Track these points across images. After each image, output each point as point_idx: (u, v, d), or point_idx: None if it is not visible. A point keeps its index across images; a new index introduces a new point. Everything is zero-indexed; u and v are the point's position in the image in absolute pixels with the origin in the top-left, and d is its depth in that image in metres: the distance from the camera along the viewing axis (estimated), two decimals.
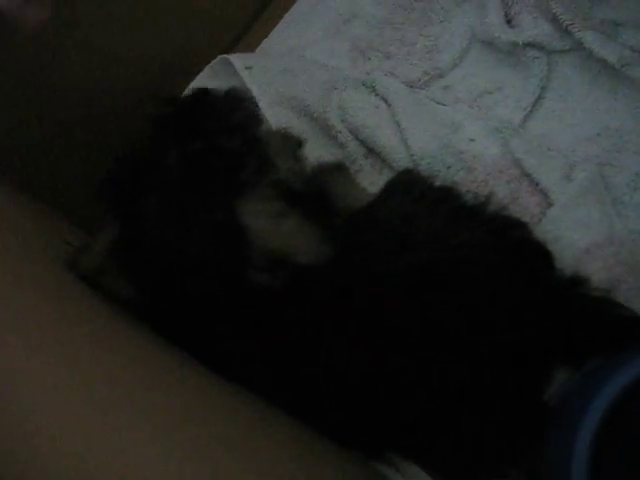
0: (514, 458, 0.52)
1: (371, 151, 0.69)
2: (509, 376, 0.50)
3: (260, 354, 0.49)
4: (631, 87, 0.65)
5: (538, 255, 0.56)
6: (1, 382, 0.35)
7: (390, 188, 0.57)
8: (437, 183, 0.57)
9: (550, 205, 0.61)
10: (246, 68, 0.76)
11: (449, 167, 0.64)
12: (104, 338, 0.42)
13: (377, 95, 0.70)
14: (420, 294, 0.50)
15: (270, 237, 0.48)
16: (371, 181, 0.67)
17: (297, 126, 0.71)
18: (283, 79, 0.74)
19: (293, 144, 0.67)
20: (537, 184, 0.62)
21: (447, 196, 0.55)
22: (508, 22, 0.71)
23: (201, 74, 0.80)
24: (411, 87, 0.72)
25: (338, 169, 0.66)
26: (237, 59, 0.77)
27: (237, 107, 0.53)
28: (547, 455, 0.49)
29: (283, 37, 0.83)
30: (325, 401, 0.49)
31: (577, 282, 0.55)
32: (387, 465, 0.53)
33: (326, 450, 0.48)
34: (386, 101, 0.69)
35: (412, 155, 0.64)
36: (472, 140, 0.66)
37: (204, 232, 0.48)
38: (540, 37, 0.68)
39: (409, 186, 0.56)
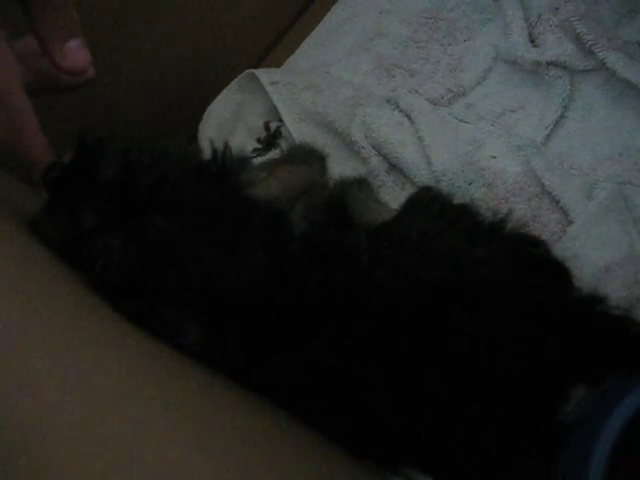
0: (529, 475, 0.52)
1: (393, 167, 0.69)
2: (526, 393, 0.51)
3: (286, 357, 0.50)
4: None
5: (557, 273, 0.56)
6: (22, 380, 0.36)
7: (410, 205, 0.58)
8: (456, 200, 0.58)
9: (570, 223, 0.62)
10: (272, 83, 0.78)
11: (470, 184, 0.64)
12: (127, 333, 0.43)
13: (401, 112, 0.71)
14: (439, 310, 0.51)
15: (276, 186, 0.52)
16: (393, 196, 0.68)
17: (321, 141, 0.72)
18: (308, 95, 0.75)
19: (316, 157, 0.69)
20: (558, 202, 0.63)
21: (466, 213, 0.56)
22: (532, 41, 0.72)
23: (228, 87, 0.82)
24: (434, 104, 0.73)
25: (360, 184, 0.67)
26: (263, 74, 0.79)
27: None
28: (562, 476, 0.49)
29: (309, 54, 0.84)
30: (342, 411, 0.50)
31: (596, 300, 0.55)
32: (403, 478, 0.54)
33: (342, 460, 0.49)
34: (409, 118, 0.70)
35: (434, 171, 0.65)
36: (494, 157, 0.66)
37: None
38: (563, 57, 0.69)
39: (429, 203, 0.57)
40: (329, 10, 0.88)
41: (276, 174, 0.54)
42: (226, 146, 0.52)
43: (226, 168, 0.52)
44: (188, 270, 0.47)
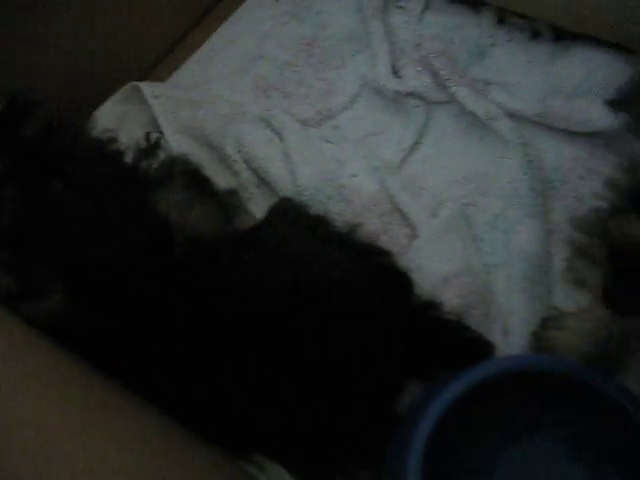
0: (365, 460, 0.58)
1: (262, 180, 0.74)
2: (364, 386, 0.56)
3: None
4: (495, 138, 0.73)
5: (400, 280, 0.62)
6: None
7: (271, 213, 0.63)
8: (313, 211, 0.63)
9: (417, 237, 0.69)
10: (154, 96, 0.81)
11: (330, 198, 0.70)
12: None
13: (272, 130, 0.76)
14: (291, 308, 0.55)
15: (184, 226, 0.56)
16: (261, 208, 0.72)
17: (197, 154, 0.75)
18: (188, 110, 0.79)
19: (191, 169, 0.72)
20: (407, 218, 0.70)
21: (320, 222, 0.61)
22: (395, 73, 0.79)
23: (111, 98, 0.83)
24: (304, 125, 0.78)
25: (231, 195, 0.71)
26: (147, 87, 0.82)
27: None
28: (390, 455, 0.55)
29: (192, 71, 0.88)
30: (196, 401, 0.54)
31: (432, 306, 0.61)
32: (253, 464, 0.58)
33: (200, 447, 0.53)
34: (280, 136, 0.75)
35: (298, 186, 0.70)
36: (354, 176, 0.73)
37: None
38: (421, 88, 0.76)
39: (287, 212, 0.62)
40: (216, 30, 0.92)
41: (190, 215, 0.59)
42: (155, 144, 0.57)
43: (140, 169, 0.57)
44: (72, 237, 0.50)
